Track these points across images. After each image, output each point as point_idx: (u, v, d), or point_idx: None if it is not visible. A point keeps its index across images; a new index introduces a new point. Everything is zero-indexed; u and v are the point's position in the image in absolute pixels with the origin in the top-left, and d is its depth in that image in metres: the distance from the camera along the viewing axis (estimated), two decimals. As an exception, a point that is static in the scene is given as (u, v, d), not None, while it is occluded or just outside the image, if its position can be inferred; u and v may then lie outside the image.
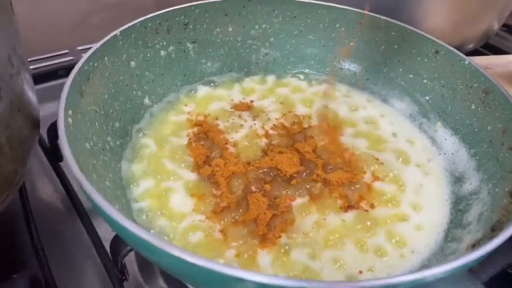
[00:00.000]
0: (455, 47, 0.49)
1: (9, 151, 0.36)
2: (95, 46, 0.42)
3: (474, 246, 0.33)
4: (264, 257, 0.36)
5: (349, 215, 0.40)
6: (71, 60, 0.71)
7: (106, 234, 0.41)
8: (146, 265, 0.42)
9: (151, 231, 0.38)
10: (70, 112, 0.36)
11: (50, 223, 0.46)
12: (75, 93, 0.38)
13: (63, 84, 0.68)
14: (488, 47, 0.79)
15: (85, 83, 0.40)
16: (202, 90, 0.54)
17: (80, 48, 0.73)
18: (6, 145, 0.35)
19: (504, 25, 0.82)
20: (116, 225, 0.28)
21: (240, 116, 0.51)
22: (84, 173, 0.31)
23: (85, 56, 0.41)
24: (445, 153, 0.48)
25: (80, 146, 0.36)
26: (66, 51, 0.73)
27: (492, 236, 0.30)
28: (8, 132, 0.35)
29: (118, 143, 0.44)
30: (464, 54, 0.48)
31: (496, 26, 0.72)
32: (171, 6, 0.51)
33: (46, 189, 0.50)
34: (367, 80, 0.57)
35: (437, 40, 0.50)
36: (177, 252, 0.25)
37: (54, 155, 0.49)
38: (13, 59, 0.36)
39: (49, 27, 0.72)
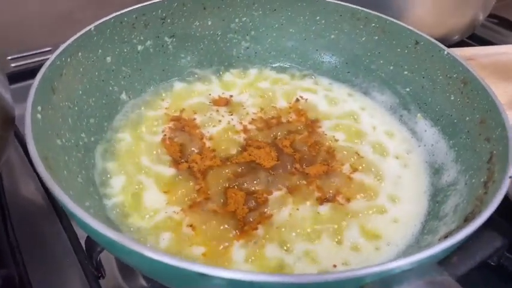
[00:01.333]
0: (440, 39, 0.49)
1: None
2: (68, 41, 0.42)
3: (446, 237, 0.33)
4: (238, 251, 0.36)
5: (325, 208, 0.40)
6: (54, 57, 0.70)
7: (84, 232, 0.41)
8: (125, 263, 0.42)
9: (124, 228, 0.37)
10: (39, 108, 0.35)
11: (28, 221, 0.45)
12: (46, 89, 0.38)
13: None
14: (474, 38, 0.78)
15: (57, 79, 0.40)
16: (181, 85, 0.53)
17: (62, 45, 0.72)
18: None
19: (492, 16, 0.81)
20: (80, 223, 0.28)
21: (218, 111, 0.50)
22: (52, 169, 0.31)
23: (56, 51, 0.40)
24: (424, 145, 0.47)
25: (50, 142, 0.36)
26: (49, 48, 0.72)
27: (463, 226, 0.29)
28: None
29: (92, 139, 0.43)
30: (450, 45, 0.48)
31: (481, 16, 0.71)
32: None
33: (26, 186, 0.50)
34: (348, 72, 0.56)
35: (416, 31, 0.50)
36: (142, 250, 0.25)
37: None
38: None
39: (32, 25, 0.71)
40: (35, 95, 0.35)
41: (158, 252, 0.24)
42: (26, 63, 0.69)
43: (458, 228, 0.32)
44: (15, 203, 0.46)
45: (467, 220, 0.33)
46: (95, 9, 0.76)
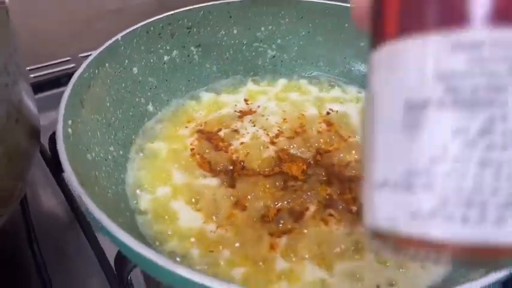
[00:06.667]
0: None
1: (6, 165, 0.34)
2: (95, 52, 0.41)
3: None
4: (278, 268, 0.35)
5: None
6: (73, 67, 0.69)
7: (111, 249, 0.39)
8: (153, 281, 0.41)
9: (158, 247, 0.36)
10: (70, 122, 0.34)
11: (53, 237, 0.44)
12: (75, 102, 0.37)
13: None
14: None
15: (85, 91, 0.39)
16: (207, 96, 0.52)
17: (82, 55, 0.72)
18: (3, 159, 0.34)
19: None
20: (118, 243, 0.27)
21: (243, 122, 0.49)
22: (85, 186, 0.29)
23: (85, 63, 0.39)
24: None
25: (81, 158, 0.35)
26: (68, 58, 0.71)
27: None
28: (4, 146, 0.34)
29: (121, 152, 0.42)
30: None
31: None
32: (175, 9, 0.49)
33: (49, 201, 0.49)
34: (378, 80, 0.55)
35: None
36: (181, 271, 0.24)
37: (56, 165, 0.48)
38: (9, 67, 0.34)
39: (50, 35, 0.70)
40: (65, 109, 0.34)
41: (207, 277, 0.23)
42: (46, 74, 0.68)
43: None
44: (39, 218, 0.45)
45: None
46: (112, 18, 0.75)
